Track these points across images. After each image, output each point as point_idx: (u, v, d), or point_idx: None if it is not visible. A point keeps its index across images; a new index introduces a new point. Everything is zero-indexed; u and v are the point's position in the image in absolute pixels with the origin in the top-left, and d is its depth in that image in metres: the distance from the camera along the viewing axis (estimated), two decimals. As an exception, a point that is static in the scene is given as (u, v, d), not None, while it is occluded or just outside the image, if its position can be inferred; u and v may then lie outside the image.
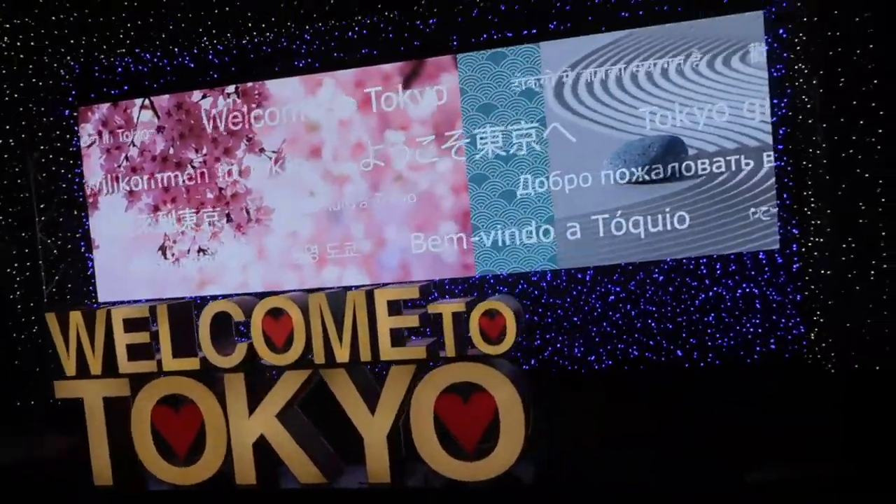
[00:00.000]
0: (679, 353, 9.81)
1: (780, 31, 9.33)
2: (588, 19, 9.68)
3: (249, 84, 10.34)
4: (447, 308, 5.94)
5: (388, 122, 9.95)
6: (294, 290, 9.15)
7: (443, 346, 6.27)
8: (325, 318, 6.04)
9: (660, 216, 9.44)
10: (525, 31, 9.80)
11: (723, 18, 9.21)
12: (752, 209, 9.28)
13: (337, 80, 10.05)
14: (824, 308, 9.12)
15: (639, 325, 9.91)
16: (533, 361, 10.04)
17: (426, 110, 9.85)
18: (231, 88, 10.37)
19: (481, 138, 9.76)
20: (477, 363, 6.01)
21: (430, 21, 10.08)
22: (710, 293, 9.76)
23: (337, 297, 6.16)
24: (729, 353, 9.76)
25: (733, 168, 9.23)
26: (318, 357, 6.18)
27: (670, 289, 9.82)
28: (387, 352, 6.07)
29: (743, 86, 9.19)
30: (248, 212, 10.43)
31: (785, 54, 9.32)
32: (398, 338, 6.13)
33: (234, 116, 10.38)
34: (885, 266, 8.46)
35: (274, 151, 10.29)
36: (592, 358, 9.99)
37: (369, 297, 6.06)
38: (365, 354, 6.14)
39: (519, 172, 9.70)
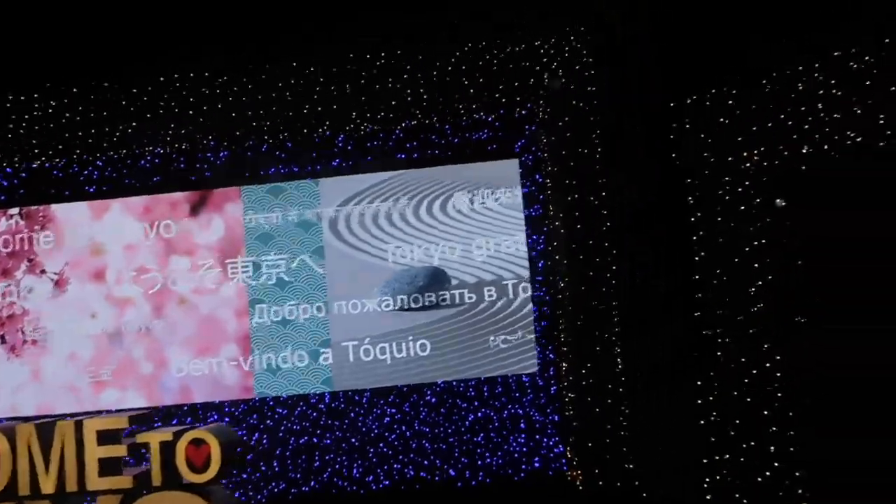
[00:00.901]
0: (452, 472, 9.99)
1: (537, 175, 10.21)
2: (367, 159, 10.31)
3: (34, 207, 10.25)
4: (155, 437, 5.89)
5: (173, 247, 10.01)
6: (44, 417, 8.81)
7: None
8: (33, 448, 5.85)
9: (428, 341, 9.82)
10: (308, 168, 10.17)
11: (484, 164, 10.03)
12: (505, 336, 9.83)
13: (125, 205, 10.09)
14: (574, 428, 9.59)
15: (414, 445, 10.08)
16: (313, 483, 10.00)
17: (211, 237, 10.01)
18: (15, 210, 10.27)
19: (262, 265, 10.00)
20: (185, 492, 5.93)
21: (221, 154, 10.40)
22: (479, 414, 10.11)
23: (47, 428, 6.00)
24: (498, 471, 10.04)
25: (493, 297, 9.77)
26: (23, 489, 5.95)
27: (442, 410, 10.11)
28: (94, 482, 5.90)
29: (503, 223, 9.83)
30: (23, 333, 10.11)
31: (541, 196, 10.18)
32: (108, 467, 5.99)
33: (17, 238, 10.24)
34: (620, 389, 9.07)
35: (56, 273, 10.10)
36: (370, 479, 10.02)
37: (78, 427, 5.93)
38: (71, 485, 5.95)
39: (296, 298, 9.94)
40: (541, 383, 10.00)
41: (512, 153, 10.08)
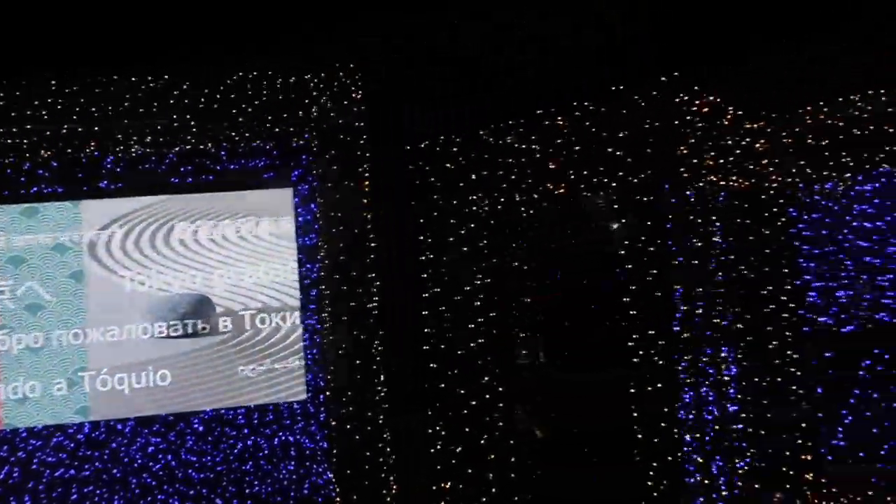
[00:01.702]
0: (219, 501, 9.71)
1: (313, 205, 10.19)
2: (136, 181, 9.87)
3: None
4: None
5: (-88, 268, 9.19)
6: None
7: None
8: None
9: (190, 368, 9.51)
10: (73, 188, 9.46)
11: (259, 192, 9.86)
12: (272, 363, 9.67)
13: None
14: (336, 455, 9.57)
15: (180, 475, 9.73)
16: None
17: (-43, 259, 9.29)
18: None
19: (11, 290, 9.31)
20: None
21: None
22: (249, 442, 9.90)
23: None
24: (267, 499, 9.85)
25: (262, 325, 9.54)
26: None
27: (210, 438, 9.83)
28: None
29: (276, 251, 9.70)
30: None
31: (317, 225, 10.16)
32: None
33: None
34: (381, 419, 9.16)
35: None
36: (132, 511, 9.57)
37: None
38: None
39: (50, 324, 9.23)
40: (311, 410, 9.95)
41: (289, 182, 10.06)
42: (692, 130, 6.73)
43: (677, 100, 6.60)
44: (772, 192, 8.09)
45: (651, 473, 6.98)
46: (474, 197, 7.41)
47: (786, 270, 8.34)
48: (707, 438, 6.95)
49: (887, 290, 7.93)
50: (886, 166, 7.77)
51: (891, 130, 7.33)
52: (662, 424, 6.75)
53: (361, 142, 9.30)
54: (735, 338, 8.23)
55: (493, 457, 7.28)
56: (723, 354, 8.23)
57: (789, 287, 8.32)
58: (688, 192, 6.76)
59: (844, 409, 8.24)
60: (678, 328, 6.94)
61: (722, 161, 7.13)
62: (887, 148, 7.21)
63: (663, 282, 6.63)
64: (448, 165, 7.44)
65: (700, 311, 7.58)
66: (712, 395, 7.83)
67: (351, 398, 9.12)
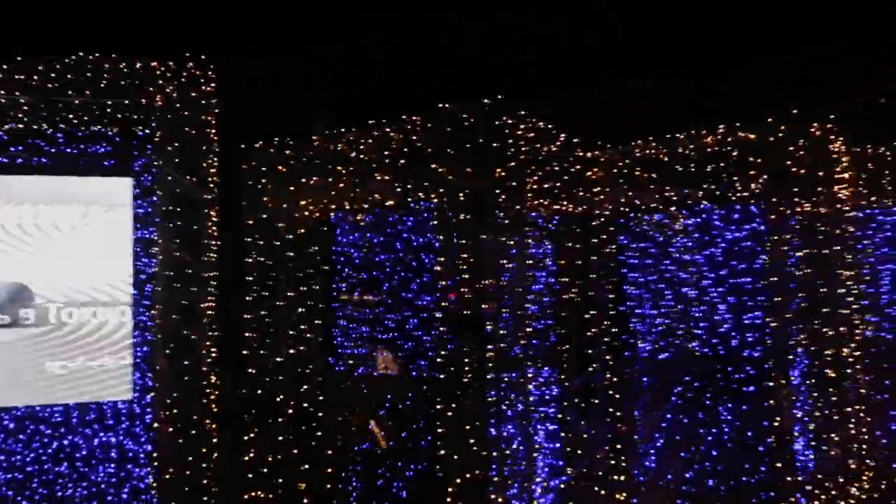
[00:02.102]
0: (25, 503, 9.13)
1: (154, 197, 9.77)
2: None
3: None
4: None
5: None
6: None
7: None
8: None
9: (2, 362, 8.94)
10: None
11: (96, 179, 9.39)
12: (101, 360, 9.22)
13: None
14: (157, 458, 9.18)
15: (-16, 474, 9.08)
16: None
17: None
18: None
19: None
20: None
21: None
22: (66, 441, 9.34)
23: None
24: (82, 502, 9.33)
25: (92, 318, 9.03)
26: None
27: (21, 436, 9.23)
28: None
29: (109, 243, 9.24)
30: None
31: (156, 219, 9.75)
32: None
33: None
34: (207, 422, 8.85)
35: None
36: (-74, 511, 8.83)
37: None
38: None
39: None
40: (137, 410, 9.48)
41: (129, 171, 9.57)
42: (516, 152, 6.86)
43: (500, 122, 6.70)
44: (602, 219, 8.38)
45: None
46: (304, 202, 7.29)
47: (612, 296, 8.65)
48: (519, 456, 7.05)
49: (700, 321, 8.34)
50: (706, 203, 8.17)
51: (708, 169, 7.71)
52: (472, 440, 6.80)
53: (210, 136, 9.02)
54: (558, 359, 8.45)
55: (307, 466, 7.16)
56: (545, 374, 8.42)
57: (613, 312, 8.63)
58: (518, 213, 6.87)
59: (657, 433, 8.60)
60: (502, 346, 7.01)
61: (547, 185, 7.30)
62: (705, 185, 7.58)
63: (478, 301, 6.70)
64: (280, 168, 7.28)
65: (527, 330, 7.72)
66: (535, 414, 7.98)
67: (176, 400, 8.76)
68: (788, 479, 7.68)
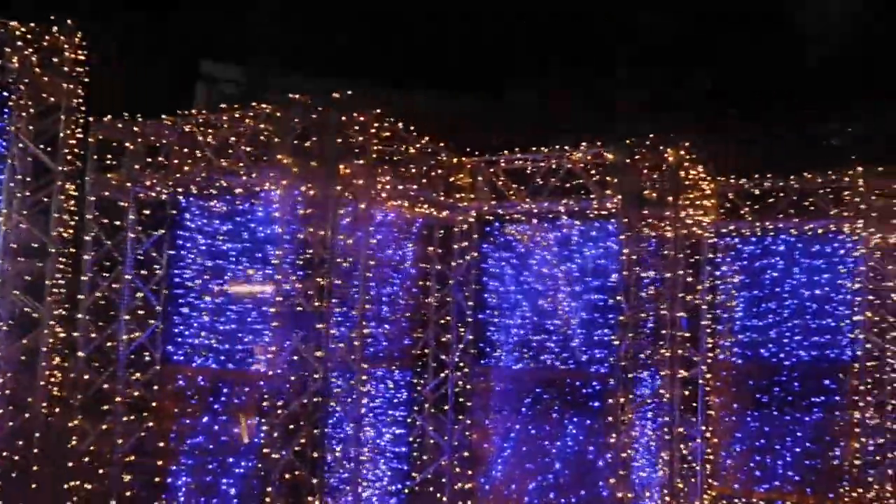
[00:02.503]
0: None
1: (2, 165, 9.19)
2: None
3: None
4: None
5: None
6: None
7: None
8: None
9: None
10: None
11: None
12: None
13: None
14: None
15: None
16: None
17: None
18: None
19: None
20: None
21: None
22: None
23: None
24: None
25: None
26: None
27: None
28: None
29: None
30: None
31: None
32: None
33: None
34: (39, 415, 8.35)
35: None
36: None
37: None
38: None
39: None
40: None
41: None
42: (367, 150, 6.74)
43: (352, 118, 6.55)
44: (465, 226, 8.36)
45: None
46: (150, 182, 6.95)
47: (471, 303, 8.63)
48: (350, 456, 6.91)
49: (553, 333, 8.41)
50: (567, 218, 8.26)
51: (567, 186, 7.78)
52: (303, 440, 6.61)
53: (70, 105, 8.49)
54: (411, 363, 8.36)
55: (133, 458, 6.83)
56: (397, 377, 8.33)
57: (471, 319, 8.62)
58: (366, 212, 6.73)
59: (506, 442, 8.64)
60: (342, 346, 6.85)
61: (402, 187, 7.21)
62: (564, 201, 7.65)
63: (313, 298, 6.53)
64: (128, 145, 6.91)
65: (382, 333, 7.61)
66: (372, 417, 7.85)
67: (10, 381, 8.20)
68: (628, 495, 7.81)
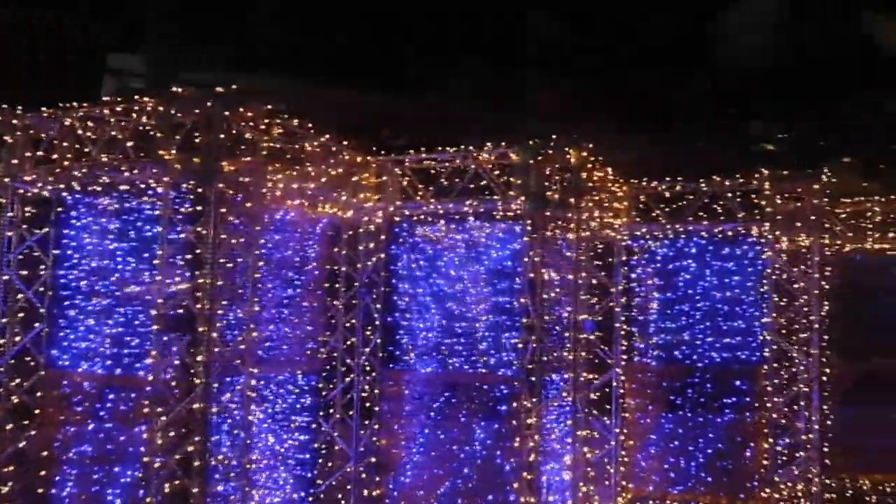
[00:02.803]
0: None
1: None
2: None
3: None
4: None
5: None
6: None
7: None
8: None
9: None
10: None
11: None
12: None
13: None
14: None
15: None
16: None
17: None
18: None
19: None
20: None
21: None
22: None
23: None
24: None
25: None
26: None
27: None
28: None
29: None
30: None
31: None
32: None
33: None
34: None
35: None
36: None
37: None
38: None
39: None
40: None
41: None
42: (259, 149, 6.53)
43: (238, 113, 6.35)
44: (372, 227, 8.19)
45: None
46: (30, 178, 6.61)
47: (379, 306, 8.46)
48: (238, 463, 6.69)
49: (462, 336, 8.29)
50: (476, 220, 8.17)
51: (472, 186, 7.69)
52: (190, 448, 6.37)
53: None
54: (317, 367, 8.16)
55: (13, 467, 6.48)
56: (302, 382, 8.12)
57: (379, 322, 8.45)
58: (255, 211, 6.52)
59: (415, 447, 8.49)
60: (227, 350, 6.63)
61: (297, 186, 7.02)
62: (469, 202, 7.56)
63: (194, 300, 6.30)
64: (7, 138, 6.58)
65: (287, 336, 7.40)
66: (273, 423, 7.63)
67: None
68: (531, 500, 7.71)
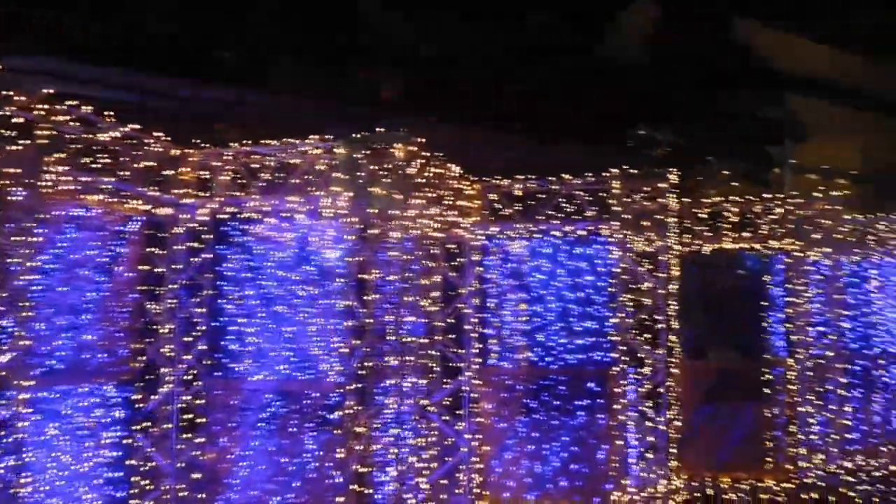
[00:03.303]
0: None
1: None
2: None
3: None
4: None
5: None
6: None
7: None
8: None
9: None
10: None
11: None
12: None
13: None
14: None
15: None
16: None
17: None
18: None
19: None
20: None
21: None
22: None
23: None
24: None
25: None
26: None
27: None
28: None
29: None
30: None
31: None
32: None
33: None
34: None
35: None
36: None
37: None
38: None
39: None
40: None
41: None
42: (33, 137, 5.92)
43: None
44: (193, 225, 7.65)
45: None
46: None
47: (203, 310, 7.91)
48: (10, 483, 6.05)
49: (292, 342, 7.87)
50: (304, 218, 7.74)
51: (297, 182, 7.23)
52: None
53: None
54: (129, 377, 7.56)
55: None
56: (111, 394, 7.50)
57: (203, 328, 7.92)
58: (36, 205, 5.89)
59: (242, 461, 8.01)
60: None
61: (89, 179, 6.43)
62: (294, 198, 7.12)
63: None
64: None
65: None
66: (72, 440, 6.97)
67: None
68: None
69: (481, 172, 9.45)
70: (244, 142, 7.39)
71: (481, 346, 9.84)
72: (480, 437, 9.83)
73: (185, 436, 7.68)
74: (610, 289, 9.45)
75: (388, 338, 7.39)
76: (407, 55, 9.98)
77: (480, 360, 9.82)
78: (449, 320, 9.52)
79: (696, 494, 11.18)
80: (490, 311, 9.95)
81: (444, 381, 9.38)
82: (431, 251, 9.32)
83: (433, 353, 9.42)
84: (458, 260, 9.37)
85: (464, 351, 9.49)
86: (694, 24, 18.10)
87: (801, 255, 11.14)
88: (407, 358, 7.57)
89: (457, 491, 9.47)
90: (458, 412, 9.43)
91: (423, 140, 7.18)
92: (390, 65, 10.06)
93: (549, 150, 11.79)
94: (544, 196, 9.24)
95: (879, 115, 24.53)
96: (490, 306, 10.05)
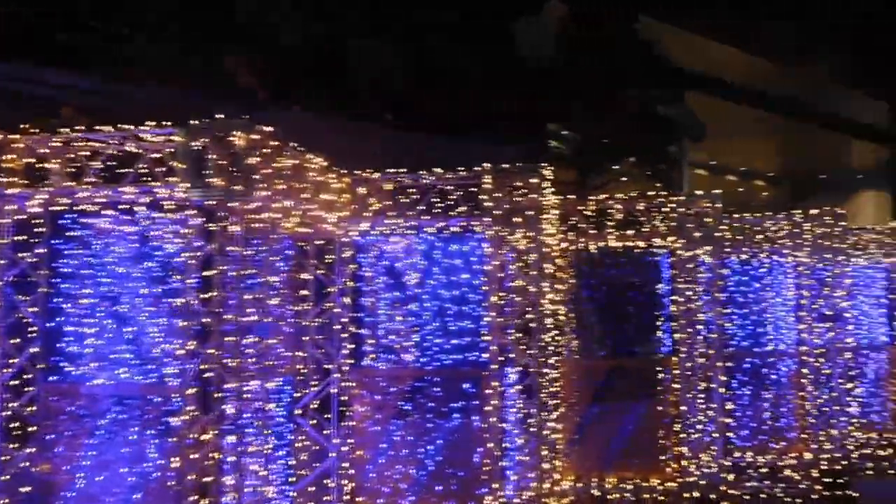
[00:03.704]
0: None
1: None
2: None
3: None
4: None
5: None
6: None
7: None
8: None
9: None
10: None
11: None
12: None
13: None
14: None
15: None
16: None
17: None
18: None
19: None
20: None
21: None
22: None
23: None
24: None
25: None
26: None
27: None
28: None
29: None
30: None
31: None
32: None
33: None
34: None
35: None
36: None
37: None
38: None
39: None
40: None
41: None
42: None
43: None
44: (22, 216, 7.12)
45: None
46: None
47: (36, 310, 7.36)
48: None
49: (132, 343, 7.42)
50: (147, 210, 7.31)
51: (132, 170, 6.79)
52: None
53: None
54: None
55: None
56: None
57: (36, 328, 7.39)
58: None
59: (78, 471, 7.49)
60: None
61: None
62: (126, 188, 6.66)
63: None
64: None
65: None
66: None
67: None
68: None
69: (354, 167, 9.20)
70: (76, 128, 6.93)
71: (354, 346, 9.66)
72: (352, 441, 9.60)
73: (12, 446, 7.18)
74: (483, 287, 9.31)
75: (232, 339, 7.04)
76: (274, 42, 9.65)
77: (353, 362, 9.62)
78: (319, 320, 9.25)
79: (581, 496, 11.18)
80: (364, 311, 9.75)
81: (313, 383, 9.10)
82: (303, 248, 9.07)
83: (300, 354, 9.24)
84: (327, 257, 9.11)
85: (333, 352, 9.31)
86: (601, 24, 18.27)
87: (684, 253, 11.34)
88: (256, 360, 7.21)
89: (325, 498, 9.18)
90: (327, 416, 9.16)
91: (273, 129, 6.84)
92: (258, 52, 9.73)
93: (438, 147, 11.62)
94: (415, 191, 9.03)
95: (791, 119, 25.32)
96: (367, 305, 9.86)
